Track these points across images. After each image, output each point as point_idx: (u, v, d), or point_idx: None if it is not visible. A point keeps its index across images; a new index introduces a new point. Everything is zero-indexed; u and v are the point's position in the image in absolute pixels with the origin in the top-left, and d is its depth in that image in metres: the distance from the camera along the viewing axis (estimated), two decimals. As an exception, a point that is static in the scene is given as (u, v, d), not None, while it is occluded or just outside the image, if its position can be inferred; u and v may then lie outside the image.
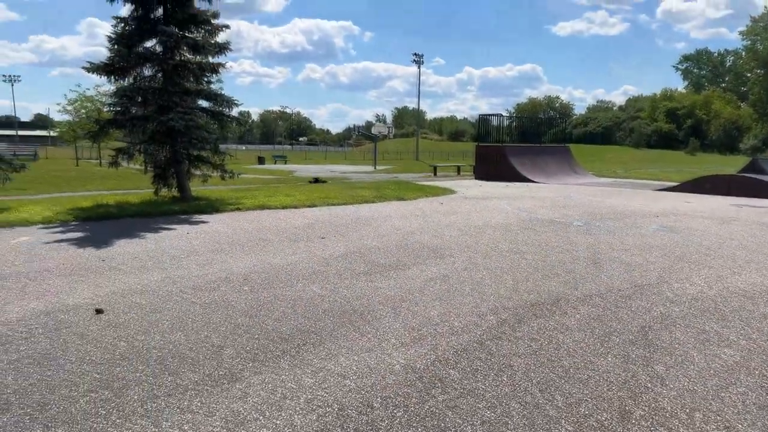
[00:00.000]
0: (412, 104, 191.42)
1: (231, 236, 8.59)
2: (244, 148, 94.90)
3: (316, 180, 21.81)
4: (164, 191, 13.54)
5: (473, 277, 6.12)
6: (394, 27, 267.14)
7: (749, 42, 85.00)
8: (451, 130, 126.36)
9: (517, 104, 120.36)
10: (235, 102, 13.44)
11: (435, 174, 28.82)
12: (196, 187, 14.51)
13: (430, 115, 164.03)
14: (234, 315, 4.71)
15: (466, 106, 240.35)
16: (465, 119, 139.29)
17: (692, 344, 4.16)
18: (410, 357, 3.83)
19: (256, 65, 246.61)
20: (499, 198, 15.54)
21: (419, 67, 64.87)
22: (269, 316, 4.68)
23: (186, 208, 11.63)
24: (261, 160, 45.53)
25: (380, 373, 3.57)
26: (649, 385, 3.45)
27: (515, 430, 2.88)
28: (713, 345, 4.15)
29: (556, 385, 3.43)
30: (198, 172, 13.78)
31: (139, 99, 12.52)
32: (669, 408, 3.16)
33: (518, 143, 29.34)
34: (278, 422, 2.96)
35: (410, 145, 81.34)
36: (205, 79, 13.17)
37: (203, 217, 10.72)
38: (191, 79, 12.93)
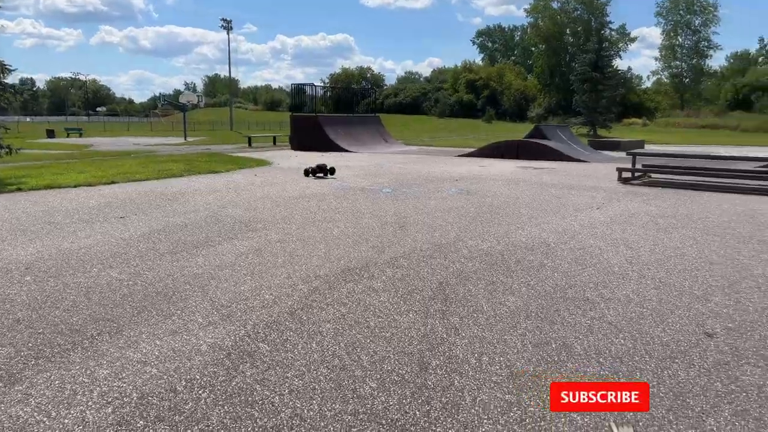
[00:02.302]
0: (224, 72, 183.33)
1: (9, 221, 7.55)
2: (29, 120, 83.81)
3: (322, 170, 13.30)
4: None
5: (286, 249, 6.11)
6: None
7: (533, 19, 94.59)
8: (267, 99, 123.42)
9: (332, 74, 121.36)
10: (8, 67, 11.72)
11: (250, 145, 28.13)
12: (-36, 166, 12.47)
13: (244, 84, 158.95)
14: (13, 309, 4.16)
15: (282, 75, 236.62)
16: (281, 88, 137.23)
17: (482, 295, 4.60)
18: (218, 335, 3.72)
19: (39, 25, 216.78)
20: (314, 168, 15.64)
21: (228, 34, 62.21)
22: (57, 307, 4.22)
23: (-49, 191, 9.95)
24: (51, 134, 40.53)
25: (185, 355, 3.42)
26: (445, 336, 3.76)
27: (322, 395, 2.95)
28: (500, 294, 4.64)
29: (362, 345, 3.58)
30: (-35, 149, 11.85)
31: None
32: (461, 355, 3.47)
33: (333, 113, 29.75)
34: (67, 421, 2.70)
35: (224, 116, 78.19)
36: (-34, 40, 11.24)
37: (-25, 201, 9.27)
38: (-54, 38, 10.94)
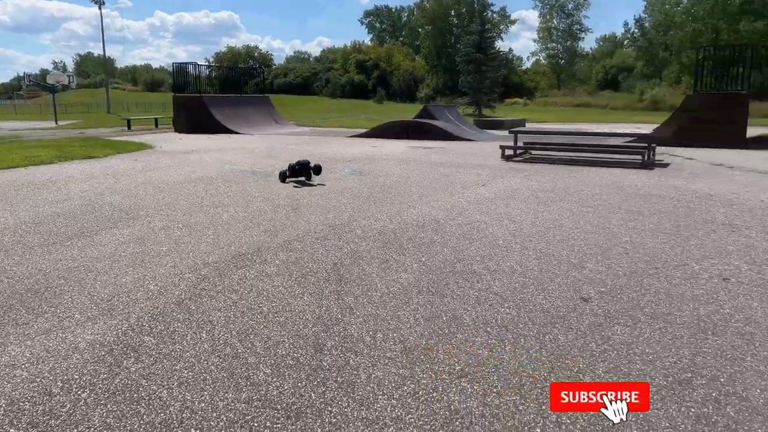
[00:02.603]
0: (97, 50, 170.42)
1: None
2: None
3: (304, 168, 9.60)
4: None
5: (172, 236, 5.83)
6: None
7: (419, 0, 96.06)
8: (147, 79, 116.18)
9: (217, 53, 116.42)
10: None
11: (129, 128, 26.45)
12: None
13: (121, 63, 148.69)
14: None
15: (163, 54, 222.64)
16: (162, 68, 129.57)
17: (376, 273, 4.66)
18: (98, 331, 3.49)
19: None
20: (201, 151, 15.04)
21: (101, 8, 57.84)
22: None
23: None
24: None
25: (61, 354, 3.17)
26: (340, 316, 3.76)
27: (214, 385, 2.86)
28: (393, 271, 4.71)
29: (255, 331, 3.51)
30: None
31: None
32: (356, 334, 3.49)
33: (220, 93, 28.65)
34: None
35: (99, 97, 72.79)
36: None
37: None
38: None
